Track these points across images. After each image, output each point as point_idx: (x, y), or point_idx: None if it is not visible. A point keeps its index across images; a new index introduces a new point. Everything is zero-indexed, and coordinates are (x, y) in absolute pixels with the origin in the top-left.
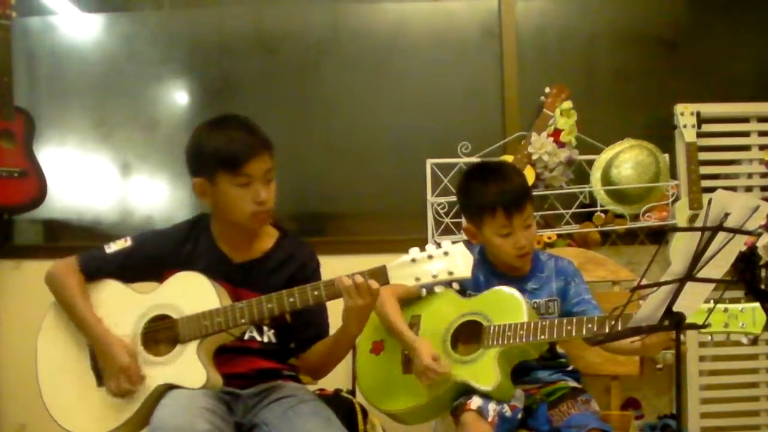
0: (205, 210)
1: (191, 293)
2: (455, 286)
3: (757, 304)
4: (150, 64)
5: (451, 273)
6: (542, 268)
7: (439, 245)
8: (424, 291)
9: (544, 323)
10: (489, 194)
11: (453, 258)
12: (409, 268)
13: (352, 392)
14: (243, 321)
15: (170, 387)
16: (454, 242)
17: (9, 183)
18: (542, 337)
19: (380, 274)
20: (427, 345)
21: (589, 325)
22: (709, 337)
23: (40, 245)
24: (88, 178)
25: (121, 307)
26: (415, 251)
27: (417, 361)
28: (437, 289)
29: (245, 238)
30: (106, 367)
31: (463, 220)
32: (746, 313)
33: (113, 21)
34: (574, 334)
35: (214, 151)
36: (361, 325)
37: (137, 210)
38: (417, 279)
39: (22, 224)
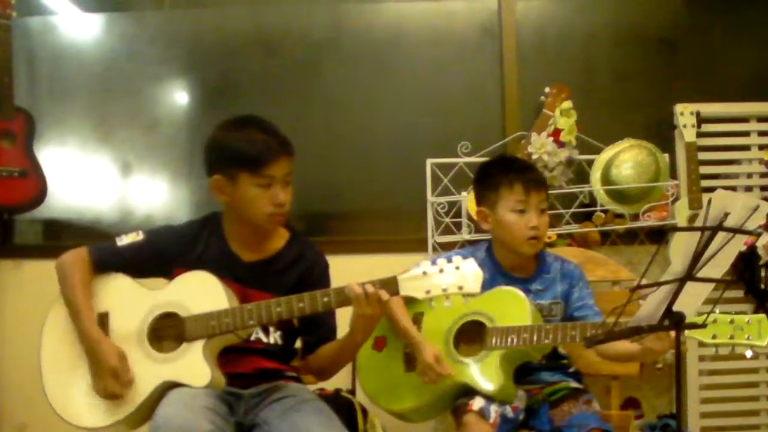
0: (207, 210)
1: (200, 293)
2: (463, 300)
3: (763, 316)
4: (150, 64)
5: (461, 288)
6: (548, 270)
7: (450, 260)
8: (432, 303)
9: (548, 327)
10: (509, 173)
11: (463, 273)
12: (420, 280)
13: (353, 392)
14: (251, 323)
15: (173, 384)
16: (460, 247)
17: (9, 183)
18: (546, 340)
19: (391, 285)
20: (430, 344)
21: (594, 331)
22: (714, 350)
23: (40, 245)
24: (88, 177)
25: (129, 302)
26: (426, 264)
27: (420, 358)
28: (446, 303)
29: (257, 238)
30: (94, 367)
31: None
32: (752, 326)
33: (113, 21)
34: (578, 339)
35: (237, 150)
36: (368, 332)
37: (137, 210)
38: (427, 292)
39: (22, 224)
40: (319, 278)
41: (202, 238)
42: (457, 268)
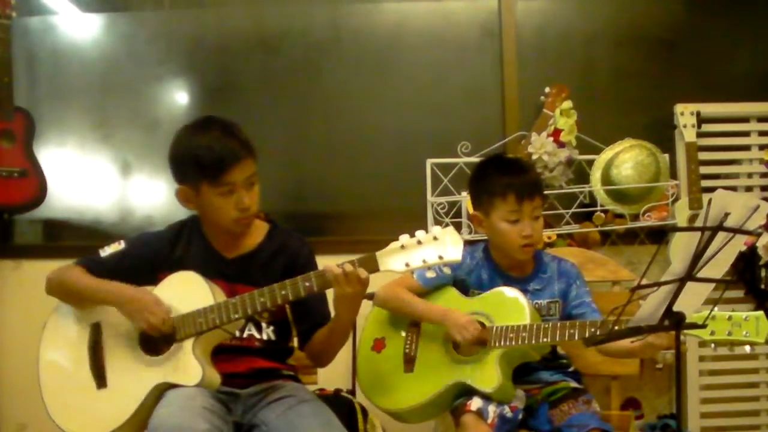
0: None
1: (187, 292)
2: (446, 270)
3: (761, 313)
4: (150, 64)
5: (441, 257)
6: (545, 269)
7: (428, 230)
8: (415, 276)
9: (546, 326)
10: (503, 180)
11: (442, 242)
12: (399, 254)
13: (352, 392)
14: (236, 316)
15: (168, 386)
16: (444, 227)
17: (9, 183)
18: (544, 339)
19: (370, 262)
20: (453, 312)
21: (592, 329)
22: (712, 346)
23: (40, 245)
24: (88, 178)
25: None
26: (404, 237)
27: (454, 320)
28: (428, 273)
29: (234, 236)
30: (136, 312)
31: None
32: (750, 322)
33: (113, 21)
34: (576, 337)
35: (194, 160)
36: (353, 312)
37: (137, 210)
38: (407, 264)
39: (22, 224)
40: (305, 265)
41: (183, 240)
42: (435, 238)
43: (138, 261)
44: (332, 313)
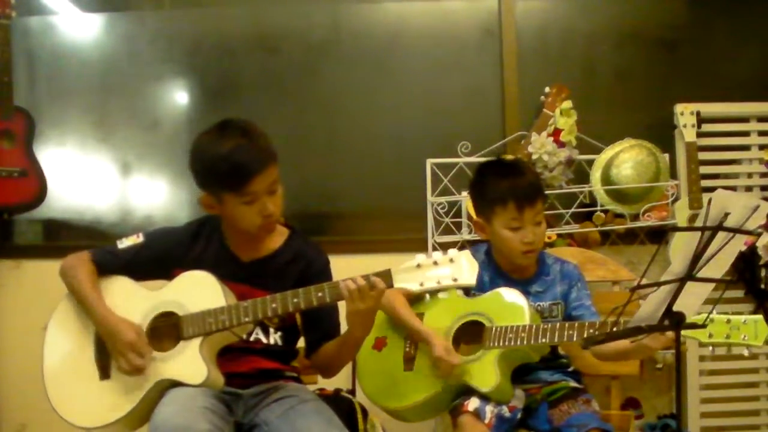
0: None
1: (198, 292)
2: (459, 293)
3: (760, 317)
4: (150, 64)
5: (455, 279)
6: (548, 271)
7: (445, 252)
8: (428, 297)
9: (545, 327)
10: (502, 186)
11: (458, 265)
12: (414, 273)
13: (352, 392)
14: (246, 320)
15: (171, 382)
16: (460, 248)
17: (9, 183)
18: (543, 340)
19: (385, 278)
20: (440, 337)
21: (591, 330)
22: (710, 349)
23: (40, 245)
24: (88, 178)
25: (129, 303)
26: (421, 257)
27: (431, 352)
28: (441, 295)
29: (256, 238)
30: (114, 347)
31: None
32: (748, 325)
33: (113, 21)
34: (575, 338)
35: (215, 171)
36: (366, 328)
37: (137, 210)
38: (421, 284)
39: (22, 224)
40: (319, 274)
41: (201, 239)
42: (452, 260)
43: (154, 255)
44: (342, 327)
